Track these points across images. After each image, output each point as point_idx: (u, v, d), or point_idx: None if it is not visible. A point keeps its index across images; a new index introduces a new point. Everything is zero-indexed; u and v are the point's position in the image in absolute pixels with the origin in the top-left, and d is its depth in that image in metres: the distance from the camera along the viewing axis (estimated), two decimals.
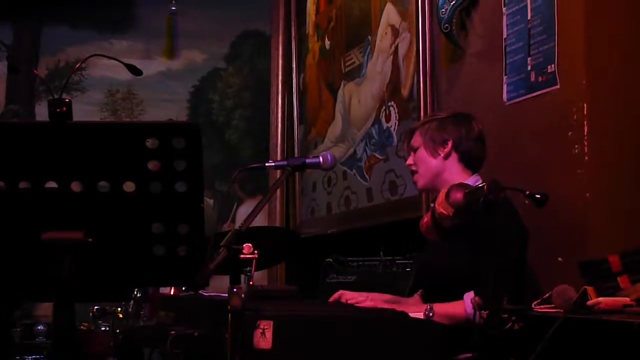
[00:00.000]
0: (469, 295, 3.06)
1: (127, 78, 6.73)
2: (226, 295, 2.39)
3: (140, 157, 2.09)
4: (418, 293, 3.60)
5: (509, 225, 3.08)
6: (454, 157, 3.42)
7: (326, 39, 6.09)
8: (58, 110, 2.09)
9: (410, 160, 3.54)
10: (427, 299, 3.47)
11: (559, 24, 3.44)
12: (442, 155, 3.42)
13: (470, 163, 3.44)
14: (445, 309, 3.06)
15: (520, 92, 3.67)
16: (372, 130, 5.28)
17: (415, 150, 3.50)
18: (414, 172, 3.53)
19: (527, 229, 3.22)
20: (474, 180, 3.32)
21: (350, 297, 3.37)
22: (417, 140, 3.50)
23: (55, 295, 2.12)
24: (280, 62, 6.90)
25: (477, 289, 2.83)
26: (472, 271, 2.99)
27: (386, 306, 3.15)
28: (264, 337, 2.45)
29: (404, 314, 2.80)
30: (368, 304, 3.25)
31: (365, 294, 3.40)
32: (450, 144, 3.41)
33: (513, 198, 3.12)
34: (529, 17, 3.63)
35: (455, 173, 3.40)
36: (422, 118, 4.32)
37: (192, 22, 7.38)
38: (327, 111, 6.02)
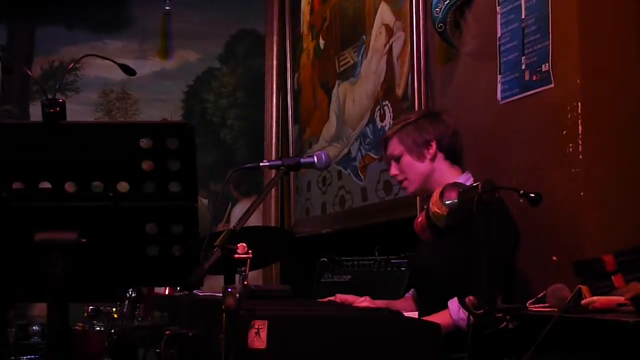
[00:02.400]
0: (453, 302, 3.07)
1: (121, 78, 6.72)
2: (221, 295, 2.40)
3: (134, 157, 2.09)
4: (409, 293, 3.60)
5: (501, 225, 3.08)
6: (439, 156, 3.42)
7: (320, 38, 6.08)
8: (51, 110, 2.09)
9: (394, 170, 3.51)
10: (419, 299, 3.47)
11: (553, 23, 3.44)
12: (428, 157, 3.41)
13: (455, 158, 3.44)
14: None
15: (514, 91, 3.67)
16: (367, 130, 5.28)
17: (397, 158, 3.47)
18: (401, 181, 3.51)
19: (519, 230, 3.23)
20: (465, 179, 3.33)
21: (345, 299, 3.37)
22: (396, 147, 3.47)
23: (49, 295, 2.12)
24: (274, 61, 6.89)
25: (464, 293, 2.83)
26: (461, 271, 2.99)
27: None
28: (258, 336, 2.45)
29: (399, 314, 2.81)
30: (365, 304, 3.25)
31: (363, 298, 3.40)
32: (434, 144, 3.41)
33: (507, 197, 3.12)
34: (523, 16, 3.63)
35: (445, 172, 3.40)
36: None
37: (186, 22, 7.38)
38: (322, 111, 6.02)
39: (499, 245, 2.98)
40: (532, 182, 3.37)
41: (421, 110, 3.62)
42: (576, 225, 3.28)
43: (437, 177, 3.38)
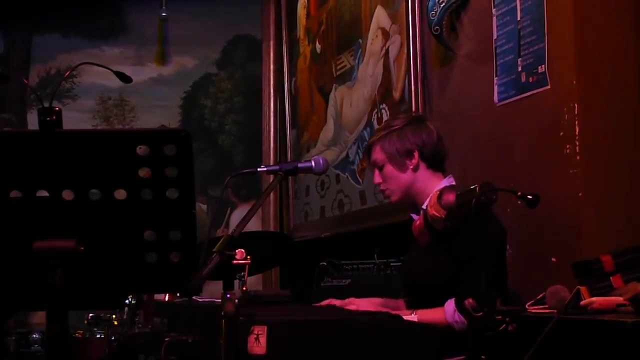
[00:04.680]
0: (450, 304, 3.07)
1: (118, 85, 6.69)
2: (220, 301, 2.40)
3: (131, 165, 2.09)
4: (404, 300, 3.60)
5: (486, 226, 3.07)
6: (422, 166, 3.40)
7: (317, 42, 6.09)
8: (47, 118, 2.09)
9: (377, 179, 3.50)
10: (412, 303, 3.47)
11: (549, 25, 3.45)
12: (410, 167, 3.40)
13: (438, 165, 3.43)
14: (427, 316, 3.08)
15: (511, 93, 3.67)
16: (365, 133, 5.28)
17: (380, 167, 3.46)
18: (384, 190, 3.50)
19: (505, 231, 3.23)
20: (447, 183, 3.33)
21: (339, 304, 3.37)
22: (379, 156, 3.45)
23: (48, 303, 2.12)
24: (271, 66, 6.91)
25: (460, 295, 2.83)
26: (450, 275, 3.00)
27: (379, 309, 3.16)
28: (258, 342, 2.45)
29: (398, 317, 2.80)
30: (353, 307, 3.26)
31: (354, 301, 3.39)
32: (416, 154, 3.39)
33: (505, 199, 3.12)
34: (518, 18, 3.63)
35: (427, 180, 3.38)
36: None
37: (183, 27, 7.38)
38: (319, 115, 6.03)
39: (485, 246, 2.98)
40: (529, 184, 3.37)
41: (405, 116, 3.58)
42: (574, 226, 3.28)
43: (419, 186, 3.37)
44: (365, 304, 3.33)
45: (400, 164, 3.40)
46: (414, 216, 3.34)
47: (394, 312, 2.95)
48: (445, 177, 3.42)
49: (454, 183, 3.35)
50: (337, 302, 3.39)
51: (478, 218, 2.56)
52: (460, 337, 2.97)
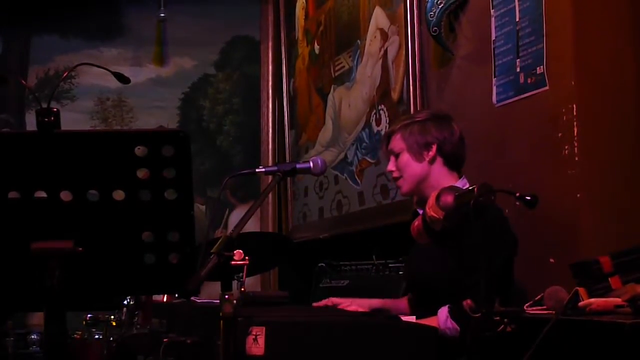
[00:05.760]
0: (443, 311, 3.07)
1: (117, 86, 6.67)
2: (218, 302, 2.39)
3: (130, 166, 2.08)
4: (407, 297, 3.60)
5: (498, 232, 3.07)
6: (438, 161, 3.38)
7: (315, 43, 6.09)
8: (46, 119, 2.09)
9: (391, 166, 3.47)
10: (416, 302, 3.47)
11: (547, 25, 3.45)
12: (427, 159, 3.37)
13: (455, 165, 3.41)
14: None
15: (509, 94, 3.67)
16: (363, 134, 5.28)
17: (396, 155, 3.44)
18: (396, 178, 3.50)
19: (517, 239, 3.22)
20: (461, 184, 3.31)
21: (338, 302, 3.38)
22: (398, 144, 3.43)
23: (46, 304, 2.11)
24: (270, 67, 6.91)
25: (457, 300, 2.82)
26: (455, 276, 2.99)
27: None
28: (256, 343, 2.45)
29: (397, 318, 2.80)
30: (353, 308, 3.26)
31: (351, 300, 3.40)
32: (434, 147, 3.37)
33: (504, 200, 3.12)
34: (517, 19, 3.63)
35: (441, 177, 3.36)
36: None
37: (181, 28, 7.37)
38: (318, 116, 6.03)
39: (495, 250, 2.98)
40: (528, 185, 3.37)
41: (431, 111, 3.59)
42: (573, 227, 3.28)
43: (432, 180, 3.35)
44: (365, 304, 3.34)
45: (418, 154, 3.38)
46: (420, 211, 3.33)
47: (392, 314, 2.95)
48: (460, 179, 3.40)
49: (467, 185, 3.32)
50: (336, 301, 3.39)
51: (480, 221, 2.56)
52: (455, 343, 2.97)
